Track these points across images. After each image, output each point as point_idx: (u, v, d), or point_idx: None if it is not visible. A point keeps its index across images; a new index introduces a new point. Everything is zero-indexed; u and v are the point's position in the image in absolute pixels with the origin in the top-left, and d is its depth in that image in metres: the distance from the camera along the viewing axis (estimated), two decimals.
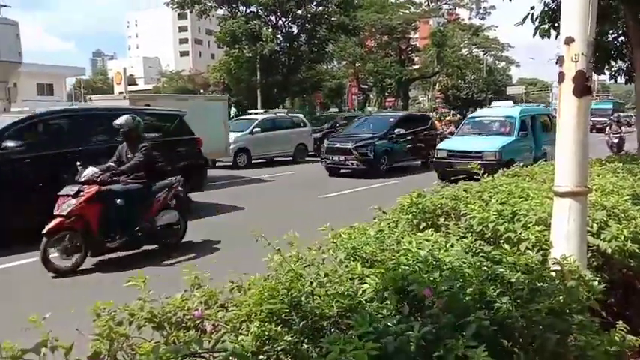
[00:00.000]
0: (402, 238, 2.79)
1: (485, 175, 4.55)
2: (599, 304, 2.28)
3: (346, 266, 2.40)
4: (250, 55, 32.88)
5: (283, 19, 34.64)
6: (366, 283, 2.11)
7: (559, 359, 1.90)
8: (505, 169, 5.77)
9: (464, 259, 2.27)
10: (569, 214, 2.81)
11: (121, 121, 7.03)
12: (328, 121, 25.84)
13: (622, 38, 8.62)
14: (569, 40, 2.78)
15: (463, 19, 57.72)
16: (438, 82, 56.85)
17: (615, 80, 10.05)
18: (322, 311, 1.97)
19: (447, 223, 3.29)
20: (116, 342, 2.01)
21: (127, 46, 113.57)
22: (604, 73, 9.56)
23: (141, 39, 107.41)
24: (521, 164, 6.15)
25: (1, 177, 7.36)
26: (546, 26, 7.15)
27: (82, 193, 6.29)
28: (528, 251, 2.72)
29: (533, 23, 7.21)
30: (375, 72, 50.23)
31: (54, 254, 6.15)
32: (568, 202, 2.81)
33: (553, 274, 2.31)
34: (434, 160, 14.50)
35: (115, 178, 6.68)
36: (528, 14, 7.23)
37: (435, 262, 2.23)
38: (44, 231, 6.02)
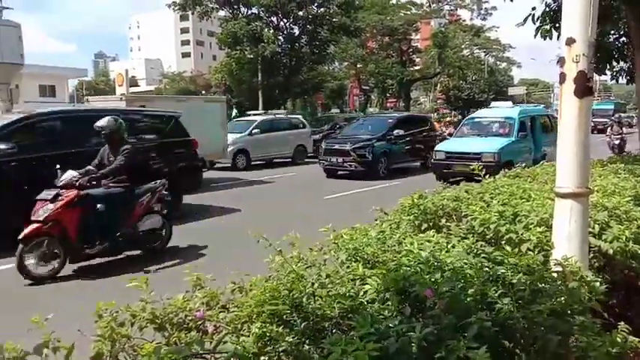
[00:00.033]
0: (404, 239, 2.79)
1: (487, 176, 4.55)
2: (601, 305, 2.28)
3: (347, 267, 2.40)
4: (252, 56, 32.93)
5: (285, 20, 34.70)
6: (367, 284, 2.12)
7: None
8: (507, 170, 5.77)
9: (465, 260, 2.27)
10: (570, 215, 2.80)
11: (102, 122, 6.76)
12: (329, 122, 25.86)
13: (623, 39, 8.60)
14: (570, 41, 2.78)
15: (464, 20, 57.78)
16: (439, 82, 56.83)
17: (617, 81, 10.03)
18: (324, 312, 1.97)
19: (448, 224, 3.28)
20: (118, 343, 2.01)
21: (128, 47, 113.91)
22: (605, 74, 9.54)
23: (143, 40, 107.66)
24: (523, 165, 6.15)
25: None
26: (547, 27, 7.14)
27: (59, 198, 6.06)
28: (530, 252, 2.72)
29: (535, 24, 7.21)
30: (376, 73, 50.26)
31: (30, 261, 5.93)
32: (569, 203, 2.81)
33: (555, 275, 2.30)
34: (432, 161, 14.37)
35: (94, 182, 6.43)
36: (529, 15, 7.22)
37: (436, 263, 2.23)
38: (20, 237, 5.83)
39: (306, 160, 19.73)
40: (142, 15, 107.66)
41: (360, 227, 3.08)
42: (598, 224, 3.13)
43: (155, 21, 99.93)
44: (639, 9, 6.86)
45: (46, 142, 8.03)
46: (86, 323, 2.13)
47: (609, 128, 20.50)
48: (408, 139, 16.48)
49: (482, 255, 2.39)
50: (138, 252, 6.93)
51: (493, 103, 19.27)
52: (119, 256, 6.72)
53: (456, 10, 56.02)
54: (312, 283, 2.16)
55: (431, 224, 3.39)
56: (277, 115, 21.38)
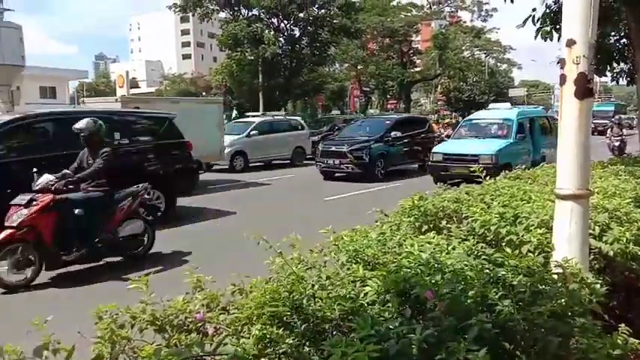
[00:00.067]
0: (404, 240, 2.78)
1: (487, 178, 4.55)
2: (602, 307, 2.27)
3: (348, 269, 2.40)
4: (252, 57, 32.94)
5: (285, 21, 34.74)
6: (367, 285, 2.11)
7: None
8: (507, 171, 5.77)
9: (466, 262, 2.26)
10: (571, 217, 2.80)
11: (80, 124, 6.52)
12: (329, 123, 25.86)
13: (624, 40, 8.60)
14: (570, 43, 2.78)
15: (465, 22, 57.78)
16: (439, 84, 56.89)
17: (617, 82, 10.03)
18: (324, 314, 1.97)
19: (448, 225, 3.28)
20: (118, 345, 2.01)
21: (129, 49, 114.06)
22: (606, 75, 9.53)
23: (143, 42, 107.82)
24: (523, 167, 6.14)
25: None
26: (548, 28, 7.13)
27: (34, 203, 5.88)
28: (530, 254, 2.72)
29: (535, 25, 7.20)
30: (376, 74, 50.30)
31: (3, 268, 5.74)
32: (570, 205, 2.81)
33: (555, 276, 2.30)
34: (429, 163, 14.27)
35: (70, 186, 6.26)
36: (530, 16, 7.21)
37: (436, 265, 2.23)
38: None
39: (305, 161, 19.70)
40: (143, 16, 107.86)
41: (361, 229, 3.07)
42: (598, 226, 3.13)
43: (156, 22, 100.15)
44: (639, 10, 6.86)
45: (36, 145, 7.94)
46: (86, 325, 2.13)
47: (609, 130, 20.47)
48: (405, 140, 16.37)
49: (483, 257, 2.39)
50: (119, 258, 6.76)
51: (491, 105, 19.17)
52: (99, 263, 6.56)
53: (457, 11, 56.04)
54: (313, 285, 2.16)
55: (431, 226, 3.38)
56: (276, 117, 21.36)
